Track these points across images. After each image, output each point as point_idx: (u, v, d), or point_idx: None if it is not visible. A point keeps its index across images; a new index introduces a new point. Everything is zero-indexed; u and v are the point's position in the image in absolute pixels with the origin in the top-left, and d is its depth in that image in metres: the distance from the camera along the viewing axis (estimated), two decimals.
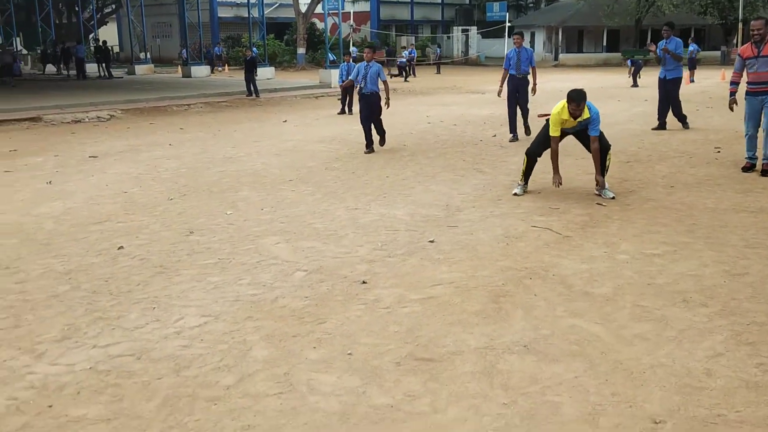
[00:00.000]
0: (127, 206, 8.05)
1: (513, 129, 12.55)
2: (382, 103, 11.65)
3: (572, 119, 7.73)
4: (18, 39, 38.50)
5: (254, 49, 26.64)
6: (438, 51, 42.84)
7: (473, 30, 51.20)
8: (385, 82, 11.70)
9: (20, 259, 6.15)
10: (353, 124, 15.36)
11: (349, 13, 44.43)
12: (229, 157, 11.39)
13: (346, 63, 18.51)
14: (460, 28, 52.15)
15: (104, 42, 34.16)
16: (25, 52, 41.26)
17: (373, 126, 11.64)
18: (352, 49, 26.85)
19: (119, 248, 6.39)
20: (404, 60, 33.40)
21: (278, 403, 3.64)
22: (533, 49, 15.46)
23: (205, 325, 4.66)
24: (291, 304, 5.02)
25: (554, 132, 7.89)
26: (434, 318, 4.71)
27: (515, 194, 8.23)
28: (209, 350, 4.28)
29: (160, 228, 7.09)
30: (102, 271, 5.80)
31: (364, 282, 5.42)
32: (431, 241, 6.46)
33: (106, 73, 31.48)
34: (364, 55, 11.87)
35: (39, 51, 40.17)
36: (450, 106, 19.43)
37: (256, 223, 7.19)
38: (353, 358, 4.14)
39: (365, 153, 11.42)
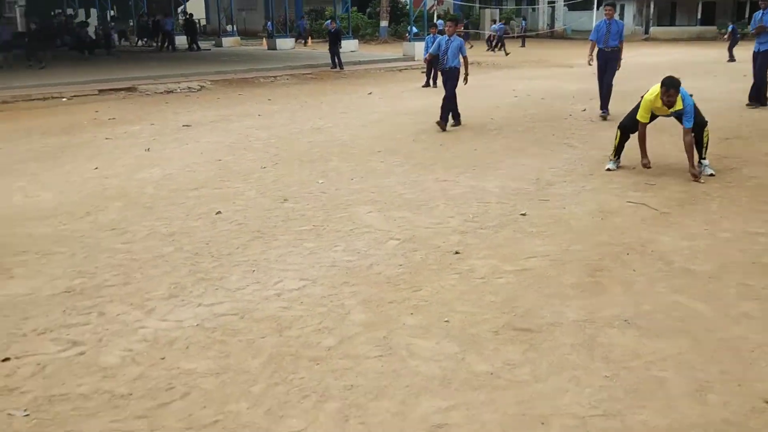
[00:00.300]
0: (221, 173, 8.27)
1: (603, 105, 12.14)
2: (461, 79, 11.31)
3: (665, 107, 7.44)
4: (112, 12, 39.70)
5: (337, 21, 26.74)
6: (523, 24, 41.98)
7: (560, 2, 49.89)
8: (465, 57, 11.29)
9: (126, 220, 6.42)
10: (438, 97, 15.30)
11: None
12: (317, 127, 11.53)
13: (432, 36, 18.37)
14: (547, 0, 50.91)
15: (191, 15, 34.90)
16: (131, 24, 42.55)
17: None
18: (438, 21, 26.57)
19: (217, 213, 6.59)
20: (499, 31, 32.58)
21: (379, 366, 3.71)
22: (623, 21, 14.90)
23: (303, 289, 4.77)
24: (386, 271, 5.08)
25: (643, 117, 7.62)
26: (530, 289, 4.69)
27: (608, 169, 8.05)
28: (309, 312, 4.39)
29: (255, 195, 7.26)
30: (202, 234, 6.00)
31: (457, 252, 5.43)
32: (523, 214, 6.40)
33: (195, 46, 32.21)
34: (446, 28, 11.65)
35: (131, 24, 41.39)
36: (536, 79, 19.07)
37: (348, 193, 7.28)
38: (450, 326, 4.17)
39: (437, 125, 11.00)
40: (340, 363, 3.75)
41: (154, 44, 34.49)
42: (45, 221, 6.42)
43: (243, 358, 3.82)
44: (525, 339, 3.98)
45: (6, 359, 3.84)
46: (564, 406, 3.30)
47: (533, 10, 51.44)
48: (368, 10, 45.75)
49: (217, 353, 3.89)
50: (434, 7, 39.60)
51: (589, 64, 12.52)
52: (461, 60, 11.27)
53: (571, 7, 47.88)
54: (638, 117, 7.66)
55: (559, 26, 49.10)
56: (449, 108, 11.25)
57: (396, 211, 6.60)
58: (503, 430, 3.13)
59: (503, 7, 51.51)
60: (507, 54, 30.28)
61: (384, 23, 40.45)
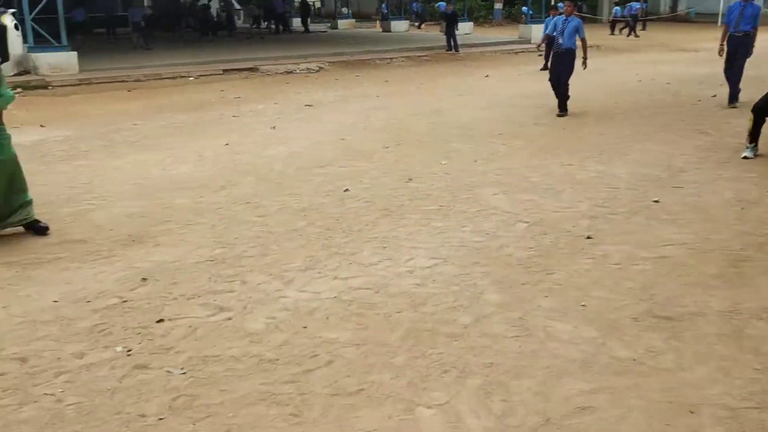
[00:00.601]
0: (345, 152, 8.43)
1: (732, 96, 11.31)
2: (578, 62, 10.70)
3: None
4: None
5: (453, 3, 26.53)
6: (644, 6, 40.35)
7: None
8: (583, 40, 10.62)
9: (258, 195, 6.67)
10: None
11: None
12: (435, 109, 11.54)
13: (551, 17, 17.97)
14: None
15: None
16: (238, 7, 43.85)
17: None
18: (559, 5, 25.93)
19: (345, 191, 6.73)
20: (634, 11, 31.10)
21: (517, 346, 3.71)
22: (760, 5, 13.45)
23: (435, 267, 4.82)
24: (516, 253, 5.06)
25: None
26: (669, 278, 4.56)
27: (745, 157, 7.67)
28: (442, 290, 4.44)
29: (380, 174, 7.37)
30: (332, 210, 6.15)
31: (589, 237, 5.34)
32: (656, 201, 6.21)
33: (304, 28, 32.74)
34: (564, 8, 10.85)
35: (251, 6, 42.53)
36: (660, 64, 18.32)
37: (471, 174, 7.27)
38: (587, 310, 4.11)
39: (558, 116, 10.59)
40: (478, 341, 3.77)
41: (266, 26, 35.28)
42: (183, 193, 6.75)
43: (381, 331, 3.91)
44: (667, 327, 3.88)
45: (160, 320, 4.09)
46: (713, 396, 3.21)
47: None
48: None
49: (355, 325, 4.00)
50: None
51: (720, 55, 11.14)
52: (579, 42, 10.64)
53: None
54: None
55: (682, 9, 46.85)
56: (562, 93, 10.73)
57: (522, 194, 6.54)
58: (650, 416, 3.07)
59: None
60: (637, 36, 29.18)
61: (498, 5, 39.88)
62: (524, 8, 29.01)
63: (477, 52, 22.48)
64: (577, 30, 10.57)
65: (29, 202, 5.52)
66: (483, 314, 4.09)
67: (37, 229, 5.55)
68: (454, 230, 5.57)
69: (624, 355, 3.59)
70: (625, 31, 30.35)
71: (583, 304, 4.20)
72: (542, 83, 14.26)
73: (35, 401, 3.30)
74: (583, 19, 33.93)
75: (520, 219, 5.82)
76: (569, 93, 10.74)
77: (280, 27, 32.38)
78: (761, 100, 7.70)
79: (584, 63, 10.71)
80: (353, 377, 3.45)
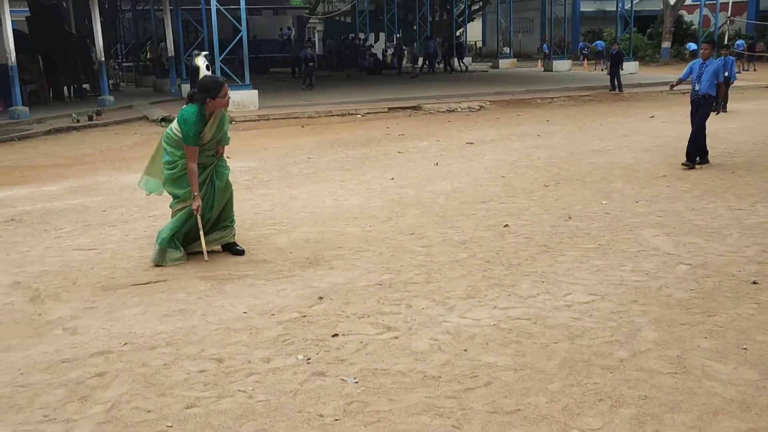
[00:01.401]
0: (506, 189, 8.69)
1: None
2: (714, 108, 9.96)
3: None
4: (398, 35, 42.50)
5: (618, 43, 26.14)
6: None
7: None
8: (719, 84, 9.89)
9: (422, 227, 7.07)
10: (729, 122, 14.47)
11: (728, 3, 41.07)
12: (597, 149, 11.54)
13: (723, 57, 17.35)
14: None
15: (457, 37, 36.23)
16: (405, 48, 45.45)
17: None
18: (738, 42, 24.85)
19: (505, 226, 6.99)
20: None
21: (673, 382, 3.80)
22: None
23: (592, 303, 4.97)
24: (676, 294, 5.09)
25: None
26: None
27: None
28: (599, 325, 4.58)
29: (540, 211, 7.56)
30: (492, 244, 6.42)
31: (755, 282, 5.27)
32: None
33: (448, 66, 33.30)
34: (702, 51, 10.02)
35: (416, 46, 44.01)
36: None
37: (633, 215, 7.29)
38: (749, 353, 4.11)
39: (682, 166, 9.73)
40: (633, 374, 3.90)
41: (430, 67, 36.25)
42: (353, 222, 7.29)
43: (538, 359, 4.13)
44: None
45: (335, 335, 4.53)
46: None
47: None
48: (648, 30, 44.02)
49: (513, 351, 4.24)
50: (725, 27, 37.08)
51: None
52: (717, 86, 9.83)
53: None
54: None
55: None
56: (697, 143, 9.88)
57: (685, 236, 6.50)
58: None
59: None
60: None
61: (666, 44, 38.65)
62: (691, 44, 28.02)
63: (642, 92, 22.03)
64: (716, 74, 9.83)
65: (230, 226, 6.29)
66: (639, 350, 4.20)
67: (234, 251, 6.27)
68: (613, 269, 5.68)
69: None
70: None
71: (744, 347, 4.19)
72: (714, 125, 13.84)
73: (231, 396, 3.81)
74: (752, 58, 32.19)
75: (683, 261, 5.81)
76: (705, 145, 10.02)
77: (430, 68, 33.07)
78: None
79: (716, 108, 10.04)
80: (510, 398, 3.69)
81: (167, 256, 6.01)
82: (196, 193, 5.87)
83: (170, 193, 6.15)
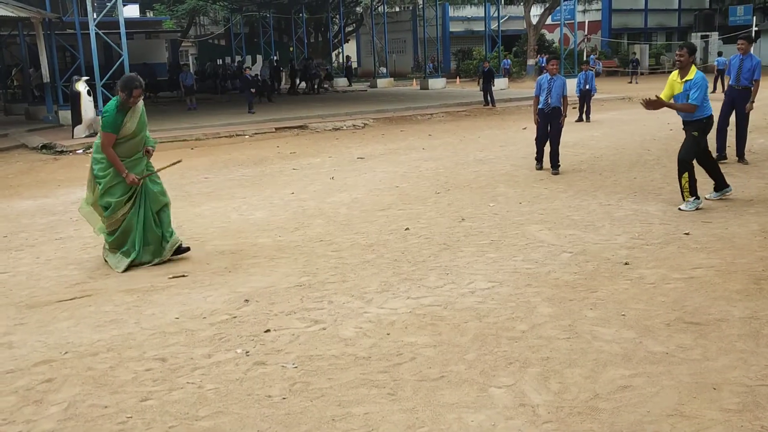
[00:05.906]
0: (401, 197, 9.31)
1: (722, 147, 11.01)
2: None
3: None
4: (275, 57, 42.85)
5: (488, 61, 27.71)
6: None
7: (714, 36, 48.46)
8: (565, 97, 10.71)
9: (330, 234, 7.54)
10: (593, 131, 15.83)
11: (584, 22, 44.19)
12: (479, 159, 12.42)
13: (583, 72, 18.93)
14: (699, 34, 49.56)
15: (347, 57, 37.15)
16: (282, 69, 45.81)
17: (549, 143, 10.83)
18: (590, 57, 26.98)
19: (406, 229, 7.58)
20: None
21: (568, 345, 4.47)
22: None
23: (493, 288, 5.61)
24: (563, 277, 5.83)
25: None
26: (698, 293, 5.28)
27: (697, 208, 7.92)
28: (501, 306, 5.21)
29: (435, 215, 8.21)
30: (397, 245, 6.99)
31: (626, 263, 6.09)
32: (686, 234, 6.93)
33: (324, 87, 34.28)
34: (549, 67, 10.94)
35: (290, 67, 44.49)
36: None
37: (518, 214, 8.08)
38: (627, 318, 4.85)
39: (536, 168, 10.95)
40: (535, 342, 4.53)
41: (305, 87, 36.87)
42: (264, 234, 7.67)
43: (453, 336, 4.70)
44: (695, 330, 4.60)
45: (267, 330, 4.92)
46: (733, 378, 3.92)
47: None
48: (514, 48, 46.61)
49: (431, 332, 4.79)
50: (582, 44, 39.84)
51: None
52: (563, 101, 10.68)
53: (726, 41, 46.28)
54: None
55: (712, 61, 47.57)
56: (552, 150, 10.78)
57: (565, 229, 7.32)
58: (679, 392, 3.79)
59: (653, 42, 50.71)
60: None
61: (531, 61, 41.13)
62: (542, 58, 30.05)
63: (513, 106, 23.47)
64: (563, 88, 10.66)
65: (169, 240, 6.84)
66: (537, 323, 4.86)
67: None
68: (506, 260, 6.37)
69: (658, 349, 4.32)
70: None
71: (623, 314, 4.94)
72: (579, 133, 15.13)
73: (181, 388, 4.13)
74: (636, 73, 34.91)
75: (565, 250, 6.59)
76: (558, 152, 10.88)
77: (315, 87, 33.75)
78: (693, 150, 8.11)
79: (561, 121, 10.82)
80: (434, 368, 4.22)
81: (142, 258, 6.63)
82: (125, 173, 6.38)
83: (104, 206, 6.49)
